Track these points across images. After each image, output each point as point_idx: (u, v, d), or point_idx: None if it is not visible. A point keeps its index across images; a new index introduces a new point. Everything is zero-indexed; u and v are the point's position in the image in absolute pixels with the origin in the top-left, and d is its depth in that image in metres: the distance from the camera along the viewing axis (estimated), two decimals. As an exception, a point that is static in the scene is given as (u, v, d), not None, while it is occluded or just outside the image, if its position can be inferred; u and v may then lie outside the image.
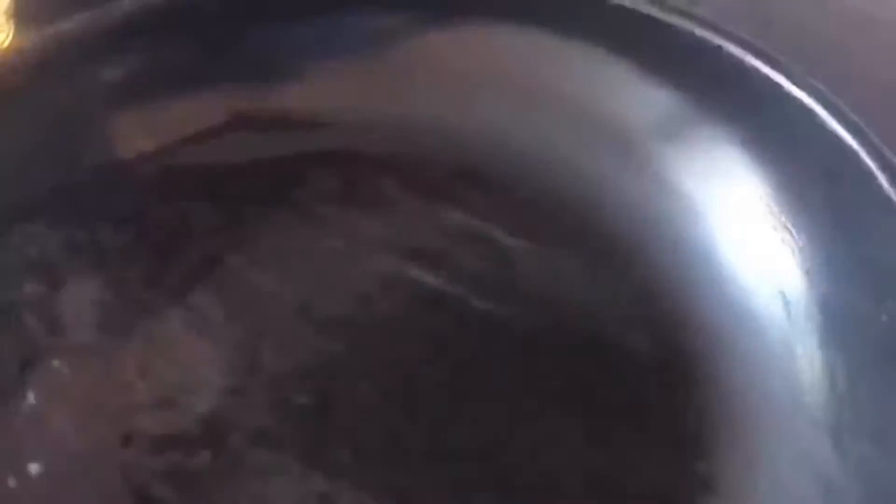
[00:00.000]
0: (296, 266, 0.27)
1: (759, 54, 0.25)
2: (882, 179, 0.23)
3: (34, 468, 0.23)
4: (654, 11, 0.26)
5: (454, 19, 0.28)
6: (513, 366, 0.25)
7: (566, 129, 0.28)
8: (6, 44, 0.31)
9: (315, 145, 0.29)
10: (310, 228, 0.27)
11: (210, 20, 0.28)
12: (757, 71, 0.25)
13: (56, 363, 0.25)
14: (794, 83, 0.24)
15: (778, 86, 0.25)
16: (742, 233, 0.25)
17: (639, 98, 0.27)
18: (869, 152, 0.23)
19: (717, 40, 0.25)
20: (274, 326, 0.26)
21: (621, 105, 0.27)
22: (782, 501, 0.22)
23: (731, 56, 0.25)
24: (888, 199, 0.22)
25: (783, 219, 0.25)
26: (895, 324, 0.22)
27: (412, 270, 0.26)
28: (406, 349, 0.25)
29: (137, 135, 0.28)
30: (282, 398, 0.24)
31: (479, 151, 0.28)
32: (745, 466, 0.23)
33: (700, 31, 0.26)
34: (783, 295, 0.25)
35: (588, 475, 0.23)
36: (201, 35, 0.28)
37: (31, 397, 0.24)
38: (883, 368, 0.22)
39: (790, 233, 0.25)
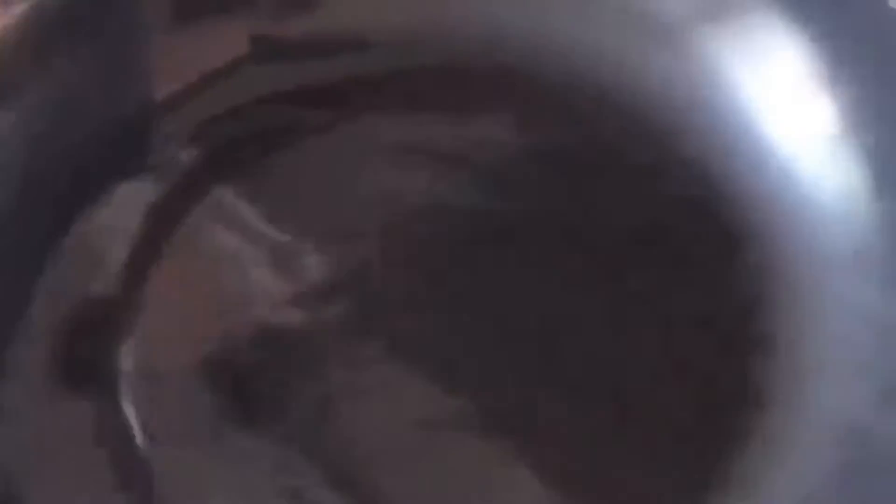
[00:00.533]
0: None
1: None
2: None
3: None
4: None
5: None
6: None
7: (607, 24, 0.28)
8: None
9: (354, 67, 0.29)
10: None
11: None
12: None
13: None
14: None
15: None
16: (784, 99, 0.25)
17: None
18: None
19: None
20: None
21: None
22: (835, 346, 0.22)
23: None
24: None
25: (827, 79, 0.25)
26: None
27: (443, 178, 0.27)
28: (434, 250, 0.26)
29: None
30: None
31: (522, 54, 0.29)
32: (800, 318, 0.23)
33: None
34: (832, 154, 0.25)
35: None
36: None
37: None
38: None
39: (834, 95, 0.25)
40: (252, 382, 0.25)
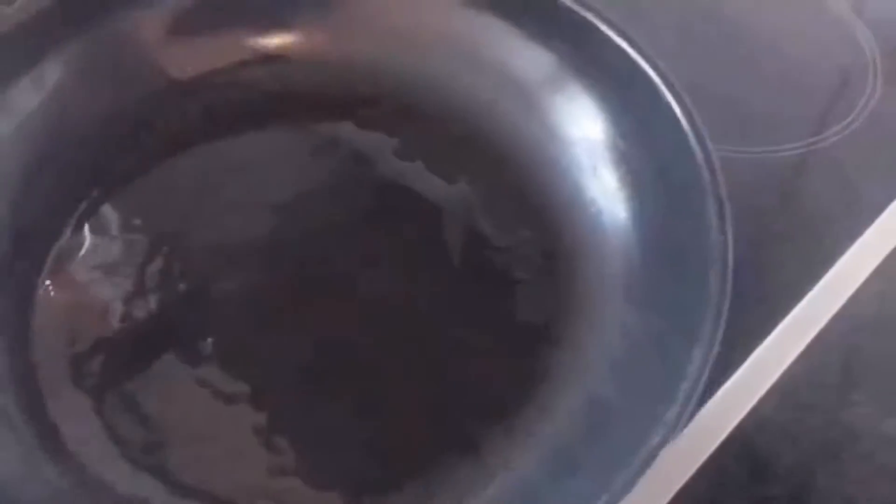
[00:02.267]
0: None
1: (611, 25, 0.34)
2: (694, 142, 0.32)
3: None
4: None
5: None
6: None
7: (485, 82, 0.38)
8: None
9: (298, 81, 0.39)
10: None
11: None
12: (609, 39, 0.34)
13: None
14: (635, 49, 0.34)
15: (622, 51, 0.34)
16: (584, 155, 0.35)
17: (531, 59, 0.36)
18: (681, 107, 0.33)
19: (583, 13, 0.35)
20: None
21: (521, 64, 0.37)
22: (595, 344, 0.32)
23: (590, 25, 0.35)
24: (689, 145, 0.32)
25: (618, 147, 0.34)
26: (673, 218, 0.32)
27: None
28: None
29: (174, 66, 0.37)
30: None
31: (420, 93, 0.38)
32: (581, 323, 0.33)
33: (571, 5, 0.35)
34: (614, 199, 0.34)
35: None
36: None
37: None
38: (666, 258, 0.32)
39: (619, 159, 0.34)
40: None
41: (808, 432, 0.34)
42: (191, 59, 0.38)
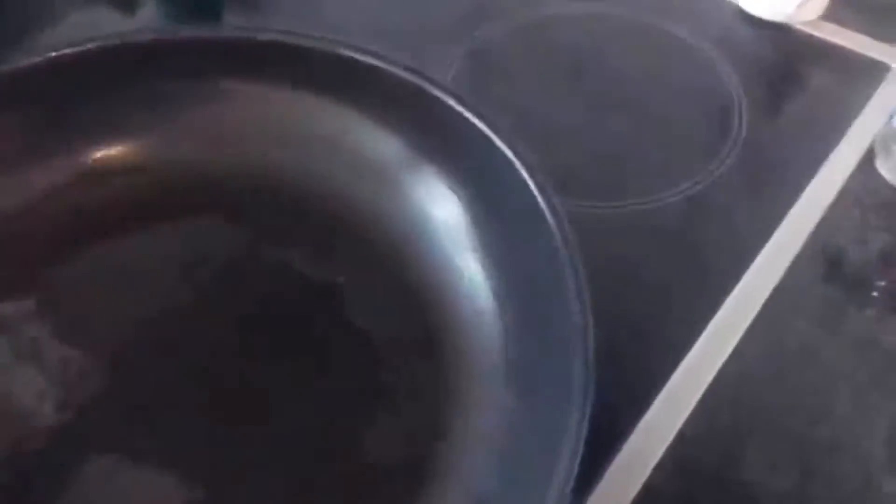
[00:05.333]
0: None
1: (464, 103, 0.34)
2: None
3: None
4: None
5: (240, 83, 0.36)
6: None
7: (338, 168, 0.37)
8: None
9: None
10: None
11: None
12: (461, 116, 0.33)
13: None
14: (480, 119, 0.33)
15: (474, 127, 0.33)
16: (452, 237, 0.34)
17: (382, 141, 0.35)
18: (536, 182, 0.32)
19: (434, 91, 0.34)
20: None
21: (373, 147, 0.36)
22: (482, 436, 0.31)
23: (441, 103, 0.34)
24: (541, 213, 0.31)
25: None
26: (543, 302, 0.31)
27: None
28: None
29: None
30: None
31: (274, 184, 0.37)
32: (464, 410, 0.32)
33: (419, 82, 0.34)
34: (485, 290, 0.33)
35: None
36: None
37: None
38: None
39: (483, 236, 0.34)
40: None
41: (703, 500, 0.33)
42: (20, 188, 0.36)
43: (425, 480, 0.31)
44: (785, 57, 0.50)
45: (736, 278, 0.39)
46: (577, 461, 0.26)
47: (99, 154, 0.37)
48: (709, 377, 0.35)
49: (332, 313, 0.35)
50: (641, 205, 0.41)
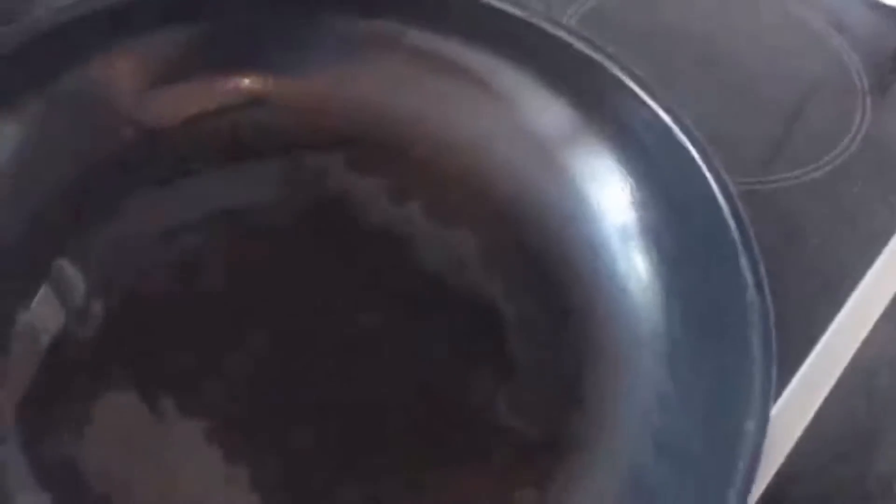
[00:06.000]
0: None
1: (633, 76, 0.33)
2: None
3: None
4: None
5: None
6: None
7: (503, 139, 0.36)
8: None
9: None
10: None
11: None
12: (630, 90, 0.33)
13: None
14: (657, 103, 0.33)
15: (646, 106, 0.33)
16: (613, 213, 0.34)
17: (543, 108, 0.35)
18: (698, 151, 0.32)
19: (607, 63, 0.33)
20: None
21: (540, 121, 0.35)
22: (631, 412, 0.31)
23: (612, 76, 0.33)
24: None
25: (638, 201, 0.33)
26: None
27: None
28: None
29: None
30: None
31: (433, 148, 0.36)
32: (610, 384, 0.32)
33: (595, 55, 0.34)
34: (635, 257, 0.33)
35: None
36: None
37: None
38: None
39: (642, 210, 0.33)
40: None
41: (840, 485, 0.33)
42: (167, 108, 0.36)
43: (564, 452, 0.31)
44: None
45: (862, 269, 0.39)
46: (757, 469, 0.26)
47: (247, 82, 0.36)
48: (842, 365, 0.35)
49: (459, 282, 0.34)
50: (760, 184, 0.41)
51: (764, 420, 0.28)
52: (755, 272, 0.30)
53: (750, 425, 0.28)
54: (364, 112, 0.37)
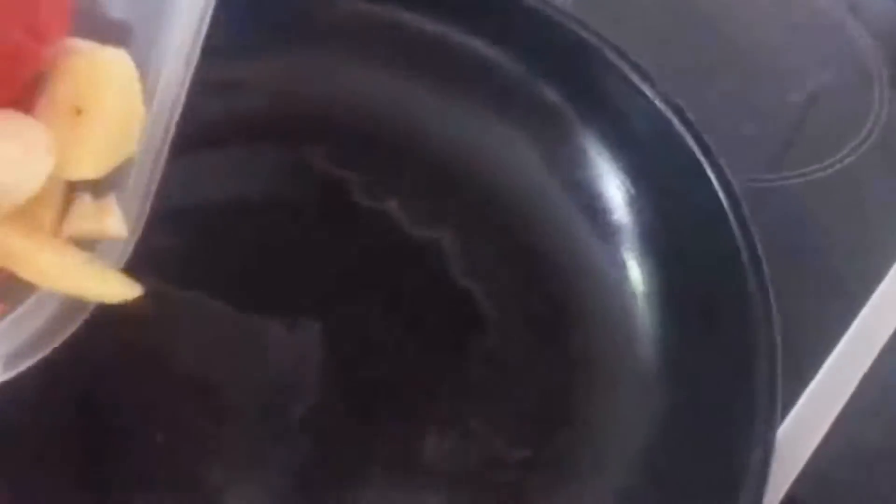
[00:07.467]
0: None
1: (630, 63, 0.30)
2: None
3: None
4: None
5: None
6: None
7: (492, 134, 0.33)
8: None
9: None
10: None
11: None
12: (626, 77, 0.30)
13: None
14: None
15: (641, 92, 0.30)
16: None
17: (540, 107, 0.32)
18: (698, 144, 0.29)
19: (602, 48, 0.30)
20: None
21: (530, 113, 0.33)
22: (620, 431, 0.28)
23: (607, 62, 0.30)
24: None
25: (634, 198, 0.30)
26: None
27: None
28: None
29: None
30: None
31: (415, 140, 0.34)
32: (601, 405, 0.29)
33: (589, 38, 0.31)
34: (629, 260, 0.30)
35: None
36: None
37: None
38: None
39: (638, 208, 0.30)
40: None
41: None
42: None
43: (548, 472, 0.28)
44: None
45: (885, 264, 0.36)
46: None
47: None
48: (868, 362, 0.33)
49: (431, 272, 0.32)
50: (778, 180, 0.38)
51: (768, 449, 0.25)
52: (758, 274, 0.27)
53: (754, 455, 0.25)
54: (343, 101, 0.34)
